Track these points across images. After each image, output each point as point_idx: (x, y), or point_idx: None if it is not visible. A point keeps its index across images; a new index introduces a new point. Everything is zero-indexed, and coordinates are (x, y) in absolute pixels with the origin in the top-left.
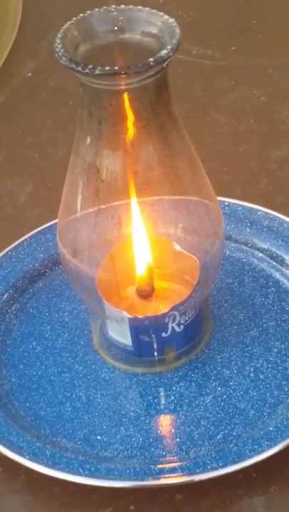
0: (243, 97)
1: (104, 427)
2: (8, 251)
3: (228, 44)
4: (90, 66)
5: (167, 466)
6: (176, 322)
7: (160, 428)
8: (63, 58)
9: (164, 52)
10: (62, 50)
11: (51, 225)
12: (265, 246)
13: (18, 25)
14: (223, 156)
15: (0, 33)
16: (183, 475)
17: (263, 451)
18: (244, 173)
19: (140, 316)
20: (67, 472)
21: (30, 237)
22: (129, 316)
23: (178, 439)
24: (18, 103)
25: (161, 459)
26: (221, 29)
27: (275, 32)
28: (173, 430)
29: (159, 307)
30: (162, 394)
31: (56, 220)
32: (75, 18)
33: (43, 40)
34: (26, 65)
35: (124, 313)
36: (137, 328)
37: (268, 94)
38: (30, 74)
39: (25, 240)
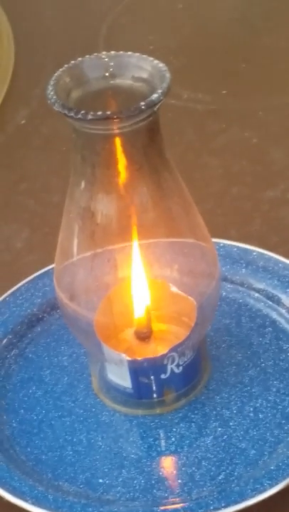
0: (234, 140)
1: (106, 469)
2: (6, 297)
3: (218, 88)
4: (83, 111)
5: (170, 507)
6: (175, 363)
7: (162, 470)
8: (56, 105)
9: (154, 96)
10: (54, 97)
11: (48, 270)
12: (261, 286)
13: (11, 73)
14: (216, 198)
15: None
16: None
17: (264, 490)
18: (238, 215)
19: (139, 358)
20: None
21: (27, 282)
22: (128, 358)
23: (180, 480)
24: (12, 150)
25: (163, 501)
26: (211, 73)
27: (265, 75)
28: (174, 471)
29: (157, 349)
30: (163, 435)
31: (53, 265)
32: (66, 65)
33: (36, 87)
34: (19, 112)
35: (123, 355)
36: (136, 370)
37: (260, 136)
38: (23, 121)
39: (23, 285)
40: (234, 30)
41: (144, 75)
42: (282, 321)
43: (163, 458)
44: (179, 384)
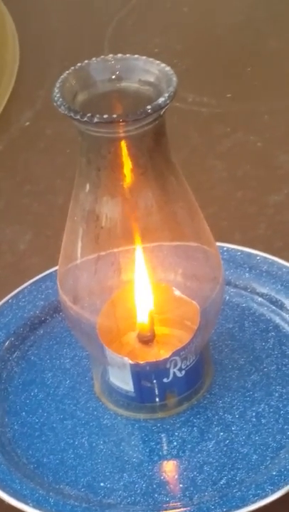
0: (239, 143)
1: (107, 473)
2: (9, 299)
3: (223, 91)
4: (89, 114)
5: None
6: (178, 367)
7: (163, 474)
8: (62, 107)
9: (161, 100)
10: (60, 99)
11: (51, 273)
12: (264, 291)
13: (16, 75)
14: (221, 202)
15: None
16: None
17: (266, 495)
18: (242, 219)
19: (141, 362)
20: None
21: (30, 284)
22: (131, 361)
23: (181, 485)
24: (16, 152)
25: (164, 505)
26: (216, 76)
27: (270, 78)
28: (176, 476)
29: (160, 353)
30: (164, 440)
31: (56, 268)
32: (72, 68)
33: (41, 89)
34: (24, 114)
35: (126, 359)
36: (139, 373)
37: (265, 140)
38: (28, 123)
39: (26, 287)
40: (239, 33)
41: (151, 79)
42: (285, 325)
43: (164, 462)
44: (182, 388)
